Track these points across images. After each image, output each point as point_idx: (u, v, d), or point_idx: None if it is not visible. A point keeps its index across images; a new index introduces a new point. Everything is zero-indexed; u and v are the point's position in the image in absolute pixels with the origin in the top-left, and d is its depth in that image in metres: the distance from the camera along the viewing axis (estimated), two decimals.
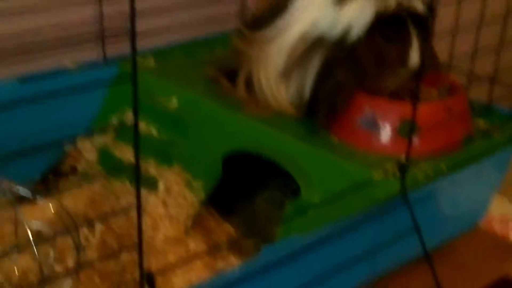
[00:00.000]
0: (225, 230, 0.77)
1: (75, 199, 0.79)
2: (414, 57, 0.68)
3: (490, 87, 0.76)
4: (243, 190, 0.83)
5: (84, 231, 0.72)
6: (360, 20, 0.69)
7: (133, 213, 0.76)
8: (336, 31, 0.71)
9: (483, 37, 0.75)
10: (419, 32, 0.68)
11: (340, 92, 0.71)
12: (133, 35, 0.40)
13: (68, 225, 0.65)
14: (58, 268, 0.64)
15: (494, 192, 0.81)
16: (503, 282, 0.80)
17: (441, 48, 0.73)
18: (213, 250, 0.70)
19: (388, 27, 0.69)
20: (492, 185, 0.80)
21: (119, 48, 0.97)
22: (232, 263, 0.71)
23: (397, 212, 0.62)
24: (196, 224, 0.75)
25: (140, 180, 0.43)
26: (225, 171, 0.75)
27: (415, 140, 0.65)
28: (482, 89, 0.76)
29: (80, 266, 0.60)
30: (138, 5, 1.09)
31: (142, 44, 0.99)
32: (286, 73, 0.76)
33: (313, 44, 0.73)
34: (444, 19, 0.78)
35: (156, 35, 1.00)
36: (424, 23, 0.66)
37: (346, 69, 0.71)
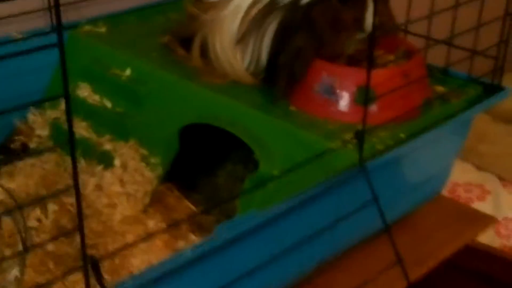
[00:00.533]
0: (185, 207, 0.75)
1: (27, 178, 0.76)
2: (370, 20, 0.66)
3: (447, 50, 0.74)
4: (204, 163, 0.81)
5: (36, 212, 0.69)
6: None
7: (88, 191, 0.74)
8: None
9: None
10: None
11: (299, 58, 0.68)
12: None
13: (17, 206, 0.62)
14: (8, 252, 0.62)
15: (455, 158, 0.80)
16: (467, 249, 0.80)
17: (397, 11, 0.70)
18: (173, 228, 0.67)
19: None
20: (452, 151, 0.79)
21: (69, 15, 0.92)
22: (193, 242, 0.68)
23: (356, 183, 0.60)
24: (155, 201, 0.73)
25: (75, 154, 0.40)
26: (184, 143, 0.73)
27: (373, 107, 0.63)
28: (439, 53, 0.74)
29: (26, 250, 0.57)
30: None
31: (94, 10, 0.95)
32: (242, 39, 0.73)
33: (267, 7, 0.71)
34: None
35: (108, 1, 0.95)
36: None
37: (304, 34, 0.68)
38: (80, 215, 0.43)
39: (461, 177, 1.28)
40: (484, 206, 1.22)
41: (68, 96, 0.38)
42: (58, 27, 0.37)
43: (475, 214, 0.84)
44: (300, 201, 0.56)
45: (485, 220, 0.83)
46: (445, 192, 0.86)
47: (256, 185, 0.63)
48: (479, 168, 1.32)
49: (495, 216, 1.16)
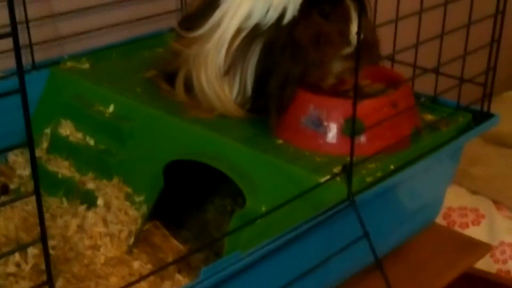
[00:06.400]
0: (172, 246, 0.73)
1: (7, 220, 0.73)
2: (355, 31, 0.63)
3: (435, 78, 0.73)
4: (192, 198, 0.79)
5: (15, 257, 0.66)
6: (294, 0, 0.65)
7: (70, 232, 0.71)
8: (271, 16, 0.67)
9: (424, 28, 0.72)
10: (356, 6, 0.64)
11: (287, 86, 0.66)
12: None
13: None
14: None
15: (447, 186, 0.78)
16: (465, 277, 0.78)
17: (383, 40, 0.69)
18: (160, 269, 0.64)
19: (324, 3, 0.65)
20: (444, 179, 0.77)
21: (49, 52, 0.91)
22: (179, 282, 0.66)
23: (346, 217, 0.58)
24: (140, 241, 0.71)
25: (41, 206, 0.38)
26: (170, 179, 0.70)
27: (361, 139, 0.62)
28: (427, 81, 0.73)
29: None
30: (71, 5, 1.03)
31: (77, 46, 0.94)
32: (228, 70, 0.71)
33: (250, 34, 0.69)
34: (382, 11, 0.75)
35: (92, 36, 0.94)
36: None
37: (289, 56, 0.66)
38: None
39: (455, 201, 1.26)
40: (479, 231, 1.20)
41: (32, 144, 0.35)
42: (20, 71, 0.35)
43: (471, 242, 0.82)
44: (289, 239, 0.54)
45: (482, 248, 0.81)
46: (439, 217, 0.84)
47: (243, 223, 0.61)
48: (473, 191, 1.31)
49: (491, 240, 1.14)
